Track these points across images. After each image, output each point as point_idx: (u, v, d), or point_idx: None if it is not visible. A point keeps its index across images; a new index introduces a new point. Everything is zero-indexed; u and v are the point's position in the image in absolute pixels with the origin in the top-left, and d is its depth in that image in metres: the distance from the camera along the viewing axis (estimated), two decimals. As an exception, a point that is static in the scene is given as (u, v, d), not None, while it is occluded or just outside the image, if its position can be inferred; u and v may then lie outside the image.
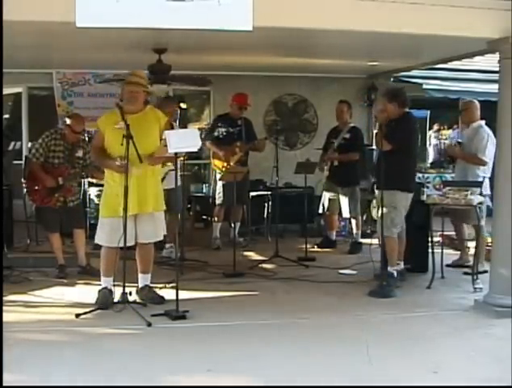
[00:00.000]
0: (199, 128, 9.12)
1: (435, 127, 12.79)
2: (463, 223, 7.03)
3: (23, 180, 7.06)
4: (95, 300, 5.42)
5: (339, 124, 8.34)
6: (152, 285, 5.65)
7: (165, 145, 5.08)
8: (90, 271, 6.54)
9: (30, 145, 9.77)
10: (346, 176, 8.06)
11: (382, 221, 6.04)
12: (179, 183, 7.18)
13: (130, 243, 5.39)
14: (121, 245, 5.18)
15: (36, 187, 6.59)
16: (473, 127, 6.97)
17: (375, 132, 6.59)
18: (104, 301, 5.34)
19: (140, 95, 5.46)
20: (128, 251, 5.33)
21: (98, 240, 5.58)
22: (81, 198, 7.51)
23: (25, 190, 6.92)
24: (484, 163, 6.74)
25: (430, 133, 12.78)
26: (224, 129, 8.23)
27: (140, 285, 5.60)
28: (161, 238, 5.83)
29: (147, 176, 5.44)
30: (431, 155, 12.99)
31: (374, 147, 8.58)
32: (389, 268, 6.12)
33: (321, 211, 8.48)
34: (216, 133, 8.25)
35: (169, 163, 6.66)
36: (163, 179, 6.22)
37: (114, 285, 5.44)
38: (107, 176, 5.56)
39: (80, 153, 6.69)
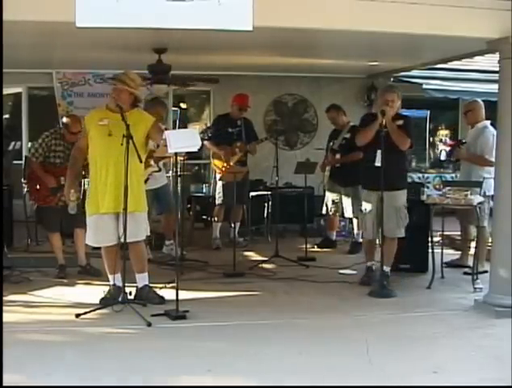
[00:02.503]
0: (203, 130, 9.09)
1: (449, 133, 12.44)
2: (469, 223, 7.02)
3: (23, 180, 7.05)
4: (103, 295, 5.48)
5: (338, 127, 8.34)
6: (152, 285, 5.65)
7: (165, 145, 5.08)
8: (90, 271, 6.56)
9: (29, 145, 9.79)
10: (349, 176, 7.96)
11: (383, 222, 6.04)
12: (166, 181, 7.35)
13: (114, 242, 5.38)
14: (107, 244, 5.31)
15: (38, 186, 6.59)
16: (478, 127, 6.94)
17: (380, 122, 5.94)
18: (107, 298, 5.40)
19: (122, 93, 5.43)
20: (128, 251, 5.34)
21: (87, 240, 5.66)
22: (81, 198, 7.48)
23: (26, 190, 6.92)
24: (492, 164, 6.68)
25: (445, 139, 12.46)
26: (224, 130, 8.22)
27: (140, 285, 5.59)
28: (143, 238, 5.63)
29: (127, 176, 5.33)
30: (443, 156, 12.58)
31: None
32: (385, 268, 6.10)
33: (324, 211, 8.44)
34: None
35: (153, 164, 6.78)
36: (147, 180, 6.21)
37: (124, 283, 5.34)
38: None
39: (80, 153, 6.70)
